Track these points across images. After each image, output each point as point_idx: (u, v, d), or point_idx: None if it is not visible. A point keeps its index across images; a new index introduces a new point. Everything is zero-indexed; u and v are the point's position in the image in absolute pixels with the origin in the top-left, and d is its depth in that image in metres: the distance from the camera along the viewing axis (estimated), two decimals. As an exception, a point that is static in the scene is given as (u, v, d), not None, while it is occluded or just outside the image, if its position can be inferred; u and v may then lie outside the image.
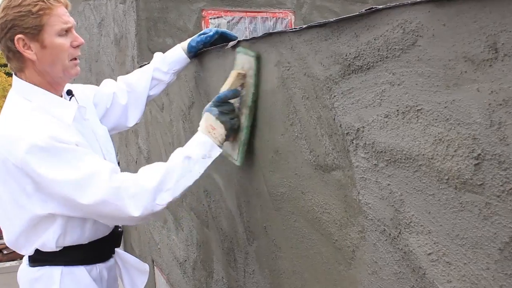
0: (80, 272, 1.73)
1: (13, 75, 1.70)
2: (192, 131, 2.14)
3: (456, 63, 0.79)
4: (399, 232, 0.96)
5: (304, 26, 1.20)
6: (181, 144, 2.28)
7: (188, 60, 2.03)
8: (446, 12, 0.80)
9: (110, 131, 2.02)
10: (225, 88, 1.60)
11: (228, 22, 3.44)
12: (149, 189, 1.53)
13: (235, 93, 1.59)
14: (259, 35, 1.47)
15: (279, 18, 3.60)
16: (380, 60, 0.96)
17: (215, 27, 3.32)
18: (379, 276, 1.03)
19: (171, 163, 1.58)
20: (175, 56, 2.03)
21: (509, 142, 0.72)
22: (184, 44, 2.03)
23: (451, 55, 0.80)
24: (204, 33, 1.99)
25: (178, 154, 1.59)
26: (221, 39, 1.96)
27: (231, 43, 1.66)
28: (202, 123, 1.62)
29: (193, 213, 2.31)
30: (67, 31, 1.63)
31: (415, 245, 0.92)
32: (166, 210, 2.82)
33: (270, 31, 1.87)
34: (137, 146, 3.43)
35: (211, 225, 2.07)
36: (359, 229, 1.08)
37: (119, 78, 2.11)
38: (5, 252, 7.90)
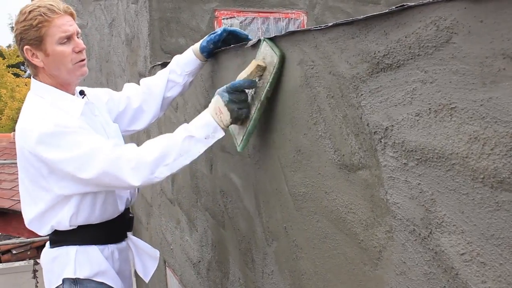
0: (93, 251, 1.94)
1: (31, 78, 1.91)
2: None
3: (494, 60, 0.78)
4: (430, 232, 0.95)
5: (329, 24, 1.19)
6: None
7: (199, 61, 2.05)
8: (484, 8, 0.79)
9: (126, 132, 2.19)
10: (242, 76, 1.60)
11: (241, 22, 3.44)
12: (149, 162, 1.66)
13: (250, 84, 1.61)
14: (272, 35, 1.47)
15: (291, 18, 3.59)
16: (411, 58, 0.95)
17: (229, 26, 3.32)
18: (408, 277, 1.02)
19: (173, 139, 1.68)
20: (186, 58, 2.08)
21: (550, 140, 0.71)
22: (197, 45, 2.06)
23: (488, 52, 0.79)
24: (213, 32, 2.02)
25: (182, 131, 1.69)
26: (233, 38, 1.98)
27: (251, 42, 1.66)
28: (211, 104, 1.68)
29: (208, 214, 2.31)
30: (68, 38, 1.79)
31: (447, 245, 0.91)
32: (179, 210, 2.82)
33: (283, 31, 1.87)
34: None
35: (227, 226, 2.07)
36: (387, 229, 1.07)
37: (142, 80, 2.19)
38: (14, 252, 7.93)
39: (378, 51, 1.04)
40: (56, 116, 1.75)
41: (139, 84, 2.20)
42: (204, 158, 2.25)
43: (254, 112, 1.58)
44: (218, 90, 1.66)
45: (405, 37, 0.96)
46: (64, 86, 1.88)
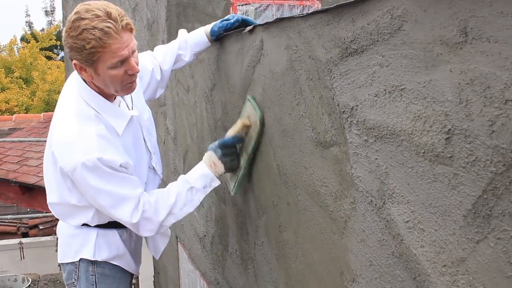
0: (112, 234, 2.02)
1: (78, 76, 1.84)
2: (214, 112, 2.24)
3: (434, 46, 0.86)
4: (384, 203, 1.04)
5: (310, 12, 1.28)
6: (204, 124, 2.39)
7: (209, 43, 2.12)
8: (426, -1, 0.87)
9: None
10: (231, 133, 1.82)
11: (256, 9, 3.51)
12: (160, 221, 1.83)
13: (239, 140, 1.82)
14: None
15: (306, 5, 3.65)
16: (372, 44, 1.04)
17: (243, 13, 3.41)
18: (366, 244, 1.11)
19: (178, 193, 1.84)
20: (196, 39, 2.15)
21: (473, 118, 0.79)
22: (208, 28, 2.13)
23: (429, 38, 0.87)
24: (226, 19, 2.09)
25: (184, 184, 1.86)
26: (243, 25, 2.05)
27: (248, 28, 1.75)
28: (206, 157, 1.87)
29: (212, 190, 2.42)
30: (122, 61, 1.69)
31: (395, 214, 1.00)
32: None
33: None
34: (165, 127, 3.55)
35: (227, 201, 2.18)
36: (351, 201, 1.16)
37: (157, 52, 2.23)
38: (41, 227, 8.22)
39: (347, 37, 1.12)
40: (101, 146, 1.73)
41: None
42: (210, 138, 2.35)
43: (243, 162, 1.80)
44: (210, 146, 1.87)
45: (367, 24, 1.04)
46: (108, 95, 1.86)
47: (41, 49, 19.59)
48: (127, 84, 1.78)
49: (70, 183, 1.82)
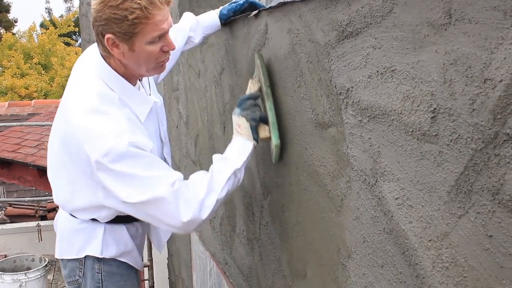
0: (120, 229, 1.90)
1: (100, 56, 1.70)
2: (222, 95, 2.28)
3: (421, 27, 0.89)
4: (376, 181, 1.07)
5: (310, -5, 1.30)
6: (213, 108, 2.43)
7: (220, 27, 2.15)
8: (414, -18, 0.89)
9: None
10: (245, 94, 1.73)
11: (267, -6, 3.53)
12: (200, 198, 1.59)
13: (254, 94, 1.68)
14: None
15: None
16: (366, 26, 1.06)
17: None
18: (360, 221, 1.15)
19: (214, 171, 1.65)
20: (209, 21, 2.13)
21: (456, 97, 0.82)
22: (217, 11, 2.15)
23: (417, 20, 0.90)
24: (235, 2, 2.11)
25: (218, 160, 1.68)
26: (251, 8, 2.07)
27: (254, 12, 1.78)
28: (233, 127, 1.70)
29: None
30: (160, 36, 1.59)
31: (386, 191, 1.03)
32: (201, 170, 2.99)
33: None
34: (178, 112, 3.60)
35: (235, 183, 2.22)
36: (347, 179, 1.20)
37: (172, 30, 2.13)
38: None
39: (343, 20, 1.15)
40: (133, 132, 1.58)
41: None
42: (219, 121, 2.40)
43: (267, 104, 1.64)
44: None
45: (362, 7, 1.07)
46: (135, 76, 1.74)
47: (60, 36, 19.78)
48: (160, 62, 1.66)
49: (96, 182, 1.63)
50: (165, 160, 2.01)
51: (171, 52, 1.93)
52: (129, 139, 1.54)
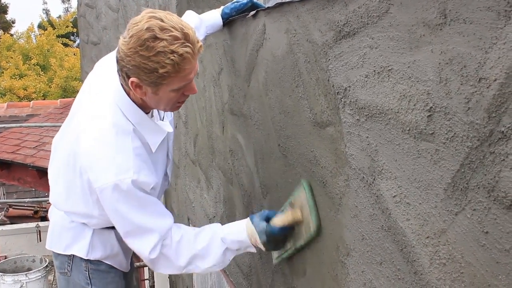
0: (108, 233, 1.91)
1: (120, 84, 1.63)
2: (221, 95, 2.29)
3: (417, 27, 0.90)
4: (374, 179, 1.08)
5: (307, -4, 1.31)
6: (212, 107, 2.44)
7: (222, 26, 2.15)
8: (410, -18, 0.90)
9: None
10: (279, 222, 1.57)
11: (265, -6, 3.54)
12: (180, 264, 1.68)
13: (287, 231, 1.58)
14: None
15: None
16: (362, 27, 1.07)
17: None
18: (359, 219, 1.16)
19: (211, 247, 1.67)
20: (212, 20, 2.12)
21: (452, 96, 0.83)
22: (219, 10, 2.15)
23: (413, 20, 0.91)
24: (237, 1, 2.11)
25: (219, 243, 1.67)
26: (252, 8, 2.07)
27: (252, 12, 1.79)
28: (249, 230, 1.63)
29: (221, 172, 2.48)
30: (186, 85, 1.55)
31: (384, 189, 1.05)
32: (199, 170, 3.01)
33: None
34: (177, 112, 3.61)
35: (234, 182, 2.23)
36: (345, 178, 1.21)
37: None
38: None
39: (340, 20, 1.16)
40: (138, 171, 1.59)
41: None
42: (218, 121, 2.41)
43: (289, 249, 1.59)
44: (255, 220, 1.62)
45: (358, 7, 1.08)
46: (150, 108, 1.70)
47: (58, 36, 19.75)
48: (178, 103, 1.65)
49: (96, 198, 1.68)
50: (166, 174, 1.99)
51: None
52: (132, 177, 1.56)
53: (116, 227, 1.69)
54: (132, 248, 1.73)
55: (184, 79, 1.51)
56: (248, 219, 1.65)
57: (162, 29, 1.41)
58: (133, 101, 1.64)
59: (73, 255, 1.91)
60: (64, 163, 1.80)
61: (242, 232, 1.64)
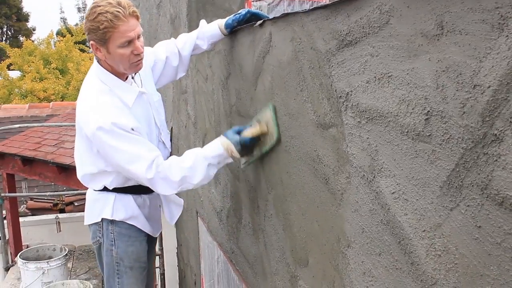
0: (128, 198, 2.25)
1: (96, 61, 2.09)
2: (229, 98, 2.30)
3: (416, 37, 0.91)
4: (374, 176, 1.09)
5: (311, 8, 1.32)
6: (220, 109, 2.44)
7: (222, 35, 2.23)
8: (409, -4, 0.91)
9: (165, 85, 2.51)
10: (249, 134, 1.85)
11: (269, 4, 3.55)
12: (177, 181, 1.93)
13: (255, 141, 1.85)
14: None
15: (315, 1, 3.67)
16: (364, 36, 1.08)
17: (257, 8, 3.45)
18: (359, 213, 1.16)
19: (194, 162, 1.92)
20: (211, 31, 2.27)
21: (448, 101, 0.83)
22: (222, 21, 2.23)
23: (412, 31, 0.91)
24: (238, 13, 2.17)
25: (202, 160, 1.93)
26: (255, 18, 2.11)
27: (259, 22, 1.79)
28: (225, 144, 1.92)
29: (228, 168, 2.48)
30: (129, 42, 1.91)
31: (383, 186, 1.05)
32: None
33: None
34: (187, 113, 3.62)
35: (241, 178, 2.24)
36: (346, 175, 1.21)
37: (173, 40, 2.38)
38: (76, 204, 8.39)
39: (343, 30, 1.16)
40: (114, 113, 1.94)
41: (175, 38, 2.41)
42: (226, 121, 2.41)
43: (256, 154, 1.88)
44: (230, 136, 1.91)
45: (360, 19, 1.08)
46: (120, 74, 2.08)
47: (75, 43, 19.75)
48: (133, 63, 1.97)
49: (96, 149, 2.02)
50: (163, 143, 2.31)
51: (177, 55, 2.33)
52: (112, 120, 1.90)
53: (114, 166, 2.04)
54: (132, 177, 2.01)
55: (123, 35, 1.87)
56: (221, 136, 1.95)
57: (103, 0, 1.87)
58: (106, 69, 2.04)
59: (102, 221, 2.23)
60: (77, 138, 2.18)
61: (220, 147, 1.93)
